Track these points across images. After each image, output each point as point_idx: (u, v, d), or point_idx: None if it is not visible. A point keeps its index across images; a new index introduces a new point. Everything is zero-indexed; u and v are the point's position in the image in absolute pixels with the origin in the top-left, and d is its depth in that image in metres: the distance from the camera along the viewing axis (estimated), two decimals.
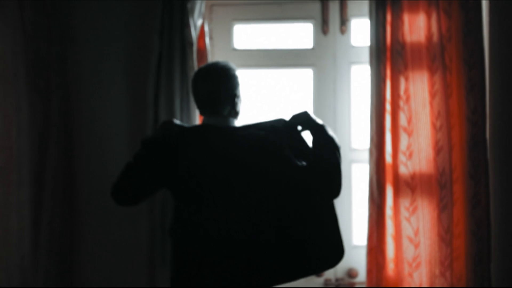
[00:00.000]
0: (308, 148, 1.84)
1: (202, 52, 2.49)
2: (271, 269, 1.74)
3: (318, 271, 1.80)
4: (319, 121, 1.91)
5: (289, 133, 1.84)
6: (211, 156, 1.79)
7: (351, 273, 2.65)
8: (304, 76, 2.71)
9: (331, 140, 1.85)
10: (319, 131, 1.87)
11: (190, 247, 1.79)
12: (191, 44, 2.38)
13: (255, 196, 1.76)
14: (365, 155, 2.67)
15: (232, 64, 1.97)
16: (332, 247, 1.81)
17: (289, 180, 1.78)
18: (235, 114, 1.98)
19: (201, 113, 1.97)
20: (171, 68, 2.38)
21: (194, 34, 2.40)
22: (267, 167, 1.78)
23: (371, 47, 2.48)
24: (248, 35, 2.72)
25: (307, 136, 1.94)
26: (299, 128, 1.90)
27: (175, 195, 1.88)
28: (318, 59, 2.68)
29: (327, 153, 1.82)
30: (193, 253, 1.78)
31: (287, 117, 1.93)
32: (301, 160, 1.79)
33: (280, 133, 1.82)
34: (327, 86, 2.67)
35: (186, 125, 1.96)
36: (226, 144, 1.81)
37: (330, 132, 1.89)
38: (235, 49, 2.73)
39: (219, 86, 1.88)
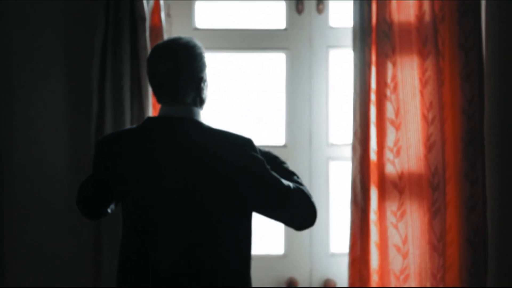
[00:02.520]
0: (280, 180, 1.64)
1: (157, 29, 2.28)
2: None
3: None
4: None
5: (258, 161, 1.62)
6: (155, 171, 1.59)
7: (328, 285, 2.48)
8: (276, 61, 2.58)
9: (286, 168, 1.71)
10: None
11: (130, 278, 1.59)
12: (143, 19, 2.21)
13: (197, 227, 1.56)
14: (345, 151, 2.52)
15: (197, 41, 1.72)
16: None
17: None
18: (200, 102, 1.70)
19: (159, 100, 1.69)
20: (119, 48, 2.20)
21: (146, 7, 2.23)
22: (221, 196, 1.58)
23: (354, 27, 2.30)
24: (212, 12, 2.61)
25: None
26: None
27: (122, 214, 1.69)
28: (292, 42, 2.54)
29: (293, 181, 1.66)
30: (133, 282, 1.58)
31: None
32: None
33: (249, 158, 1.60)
34: (302, 73, 2.53)
35: (129, 127, 1.73)
36: (179, 152, 1.59)
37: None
38: (196, 29, 2.56)
39: (181, 67, 1.62)
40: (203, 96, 1.70)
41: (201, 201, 1.55)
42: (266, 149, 1.72)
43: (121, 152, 1.62)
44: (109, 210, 1.70)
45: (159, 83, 1.65)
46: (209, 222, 1.55)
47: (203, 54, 1.69)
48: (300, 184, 1.64)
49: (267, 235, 2.55)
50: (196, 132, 1.61)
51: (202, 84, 1.68)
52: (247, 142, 1.60)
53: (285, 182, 1.60)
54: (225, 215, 1.56)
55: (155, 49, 1.67)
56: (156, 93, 1.68)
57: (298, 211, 1.60)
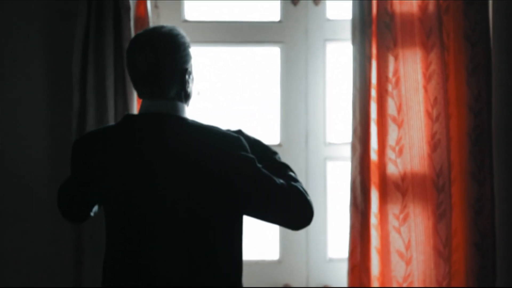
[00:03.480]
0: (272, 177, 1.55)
1: (143, 20, 2.20)
2: None
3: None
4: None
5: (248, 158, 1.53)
6: (136, 171, 1.51)
7: None
8: (270, 55, 2.53)
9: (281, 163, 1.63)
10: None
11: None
12: (127, 8, 2.13)
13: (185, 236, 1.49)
14: (343, 151, 2.45)
15: (181, 30, 1.63)
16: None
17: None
18: (185, 96, 1.61)
19: (140, 95, 1.60)
20: (101, 40, 2.13)
21: None
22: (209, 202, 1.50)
23: (353, 18, 2.22)
24: (202, 3, 2.54)
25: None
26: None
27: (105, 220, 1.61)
28: (287, 35, 2.48)
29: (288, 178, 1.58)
30: None
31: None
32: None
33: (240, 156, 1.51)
34: (297, 68, 2.47)
35: (108, 125, 1.65)
36: (161, 150, 1.50)
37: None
38: (186, 20, 2.49)
39: (163, 57, 1.54)
40: (188, 90, 1.61)
41: (186, 202, 1.48)
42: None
43: (99, 152, 1.54)
44: (91, 214, 1.64)
45: (139, 76, 1.56)
46: (198, 224, 1.48)
47: (187, 44, 1.60)
48: (294, 179, 1.57)
49: (261, 239, 2.50)
50: (180, 129, 1.53)
51: (186, 77, 1.59)
52: (236, 141, 1.51)
53: (279, 181, 1.52)
54: (214, 217, 1.49)
55: (134, 39, 1.59)
56: (136, 87, 1.59)
57: (294, 211, 1.52)
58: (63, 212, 1.64)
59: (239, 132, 1.64)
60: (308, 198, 1.53)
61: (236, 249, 1.53)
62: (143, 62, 1.54)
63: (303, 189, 1.53)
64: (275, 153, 1.62)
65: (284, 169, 1.58)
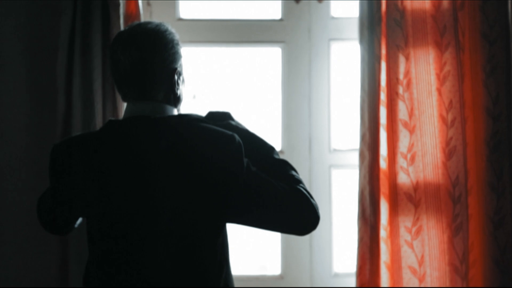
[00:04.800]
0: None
1: (134, 18, 2.11)
2: None
3: None
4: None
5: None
6: (118, 180, 1.42)
7: None
8: (270, 56, 2.47)
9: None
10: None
11: None
12: (116, 5, 2.05)
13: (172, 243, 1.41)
14: (349, 158, 2.36)
15: (169, 26, 1.53)
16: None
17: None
18: (174, 99, 1.51)
19: (124, 97, 1.50)
20: (88, 39, 2.06)
21: None
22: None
23: (361, 15, 2.12)
24: (198, 0, 2.48)
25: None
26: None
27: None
28: (288, 34, 2.40)
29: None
30: None
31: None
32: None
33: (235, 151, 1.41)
34: (300, 69, 2.40)
35: (89, 131, 1.61)
36: (148, 156, 1.41)
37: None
38: (180, 19, 2.42)
39: (149, 56, 1.45)
40: (178, 92, 1.51)
41: (174, 208, 1.39)
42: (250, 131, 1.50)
43: (81, 159, 1.44)
44: (75, 225, 1.58)
45: (122, 77, 1.47)
46: (186, 235, 1.41)
47: (176, 41, 1.50)
48: (296, 179, 1.46)
49: (261, 252, 2.46)
50: (169, 131, 1.43)
51: (175, 77, 1.49)
52: (229, 142, 1.40)
53: (279, 185, 1.41)
54: (202, 228, 1.41)
55: (117, 36, 1.49)
56: (119, 89, 1.49)
57: (298, 216, 1.43)
58: (44, 223, 1.56)
59: (228, 116, 1.52)
60: (313, 201, 1.43)
61: (219, 251, 1.44)
62: (126, 62, 1.44)
63: (307, 191, 1.43)
64: (271, 148, 1.49)
65: (283, 168, 1.46)
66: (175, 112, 1.50)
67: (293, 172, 1.46)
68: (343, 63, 2.41)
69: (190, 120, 1.45)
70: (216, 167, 1.38)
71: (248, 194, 1.39)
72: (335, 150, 2.36)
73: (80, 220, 1.56)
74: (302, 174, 2.31)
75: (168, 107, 1.47)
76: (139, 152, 1.40)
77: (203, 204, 1.39)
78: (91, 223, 1.46)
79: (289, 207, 1.40)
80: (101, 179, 1.41)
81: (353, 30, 2.30)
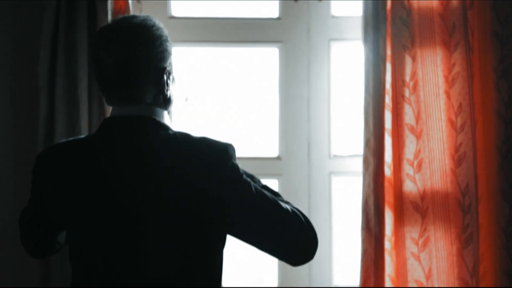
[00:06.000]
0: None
1: (123, 14, 2.04)
2: None
3: None
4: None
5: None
6: (105, 191, 1.36)
7: None
8: (267, 57, 2.44)
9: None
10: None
11: None
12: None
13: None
14: (350, 165, 2.31)
15: (156, 20, 1.45)
16: None
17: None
18: (164, 101, 1.44)
19: (108, 101, 1.43)
20: (73, 37, 2.01)
21: None
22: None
23: (365, 13, 2.06)
24: None
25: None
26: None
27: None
28: (286, 34, 2.36)
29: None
30: None
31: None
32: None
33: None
34: (298, 71, 2.36)
35: (79, 137, 1.50)
36: (135, 165, 1.34)
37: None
38: (172, 17, 2.38)
39: (134, 54, 1.36)
40: (168, 93, 1.43)
41: (164, 223, 1.33)
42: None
43: (65, 169, 1.38)
44: (58, 246, 1.52)
45: (106, 77, 1.39)
46: (178, 247, 1.35)
47: (165, 37, 1.42)
48: (292, 206, 1.42)
49: (258, 264, 2.43)
50: (157, 137, 1.37)
51: (165, 77, 1.41)
52: (224, 152, 1.35)
53: (283, 204, 1.36)
54: (195, 237, 1.35)
55: (100, 32, 1.41)
56: (103, 91, 1.42)
57: (297, 241, 1.37)
58: (25, 243, 1.49)
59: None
60: (313, 227, 1.38)
61: (214, 268, 1.40)
62: (110, 60, 1.36)
63: (307, 217, 1.38)
64: (277, 193, 1.45)
65: (286, 203, 1.41)
66: (166, 115, 1.44)
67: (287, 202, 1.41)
68: (344, 64, 2.36)
69: (179, 132, 1.38)
70: (212, 180, 1.32)
71: (250, 210, 1.33)
72: (335, 156, 2.30)
73: (63, 238, 1.50)
74: (301, 181, 2.27)
75: (158, 109, 1.39)
76: (128, 161, 1.33)
77: (193, 213, 1.32)
78: (76, 236, 1.39)
79: (291, 230, 1.34)
80: (88, 189, 1.34)
81: (355, 29, 2.25)
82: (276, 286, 2.28)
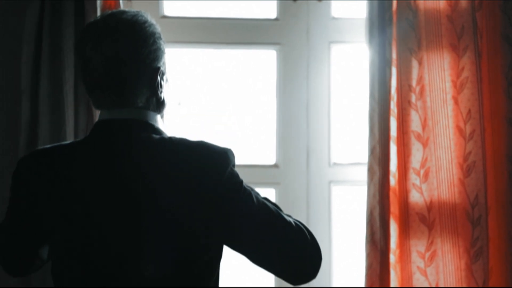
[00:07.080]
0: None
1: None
2: None
3: None
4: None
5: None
6: (92, 201, 1.29)
7: None
8: (264, 59, 2.39)
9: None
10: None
11: None
12: None
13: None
14: (351, 173, 2.26)
15: (148, 16, 1.38)
16: None
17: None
18: (158, 104, 1.37)
19: (96, 104, 1.36)
20: (59, 34, 1.95)
21: None
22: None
23: (370, 14, 2.01)
24: None
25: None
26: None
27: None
28: (285, 35, 2.33)
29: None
30: None
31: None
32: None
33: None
34: (297, 74, 2.32)
35: (65, 142, 1.44)
36: (128, 171, 1.27)
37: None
38: (165, 16, 2.34)
39: (126, 53, 1.29)
40: (161, 95, 1.36)
41: (161, 230, 1.26)
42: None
43: (48, 177, 1.30)
44: (38, 262, 1.43)
45: (94, 79, 1.32)
46: (171, 260, 1.28)
47: (158, 35, 1.35)
48: (295, 221, 1.35)
49: (254, 276, 2.33)
50: (151, 141, 1.30)
51: (158, 78, 1.34)
52: (223, 158, 1.29)
53: (286, 217, 1.29)
54: (191, 246, 1.28)
55: (86, 29, 1.34)
56: (91, 94, 1.34)
57: (300, 257, 1.32)
58: (3, 260, 1.40)
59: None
60: (318, 245, 1.33)
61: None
62: (98, 60, 1.29)
63: (311, 232, 1.32)
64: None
65: (279, 209, 1.35)
66: (159, 119, 1.36)
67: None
68: (345, 68, 2.31)
69: (174, 137, 1.32)
70: (211, 185, 1.24)
71: (238, 210, 1.26)
72: (335, 164, 2.25)
73: (45, 254, 1.41)
74: (299, 190, 2.22)
75: (151, 113, 1.32)
76: (121, 167, 1.25)
77: (189, 219, 1.26)
78: (63, 246, 1.31)
79: (290, 242, 1.27)
80: (79, 195, 1.27)
81: (356, 32, 2.19)
82: (273, 286, 2.21)
